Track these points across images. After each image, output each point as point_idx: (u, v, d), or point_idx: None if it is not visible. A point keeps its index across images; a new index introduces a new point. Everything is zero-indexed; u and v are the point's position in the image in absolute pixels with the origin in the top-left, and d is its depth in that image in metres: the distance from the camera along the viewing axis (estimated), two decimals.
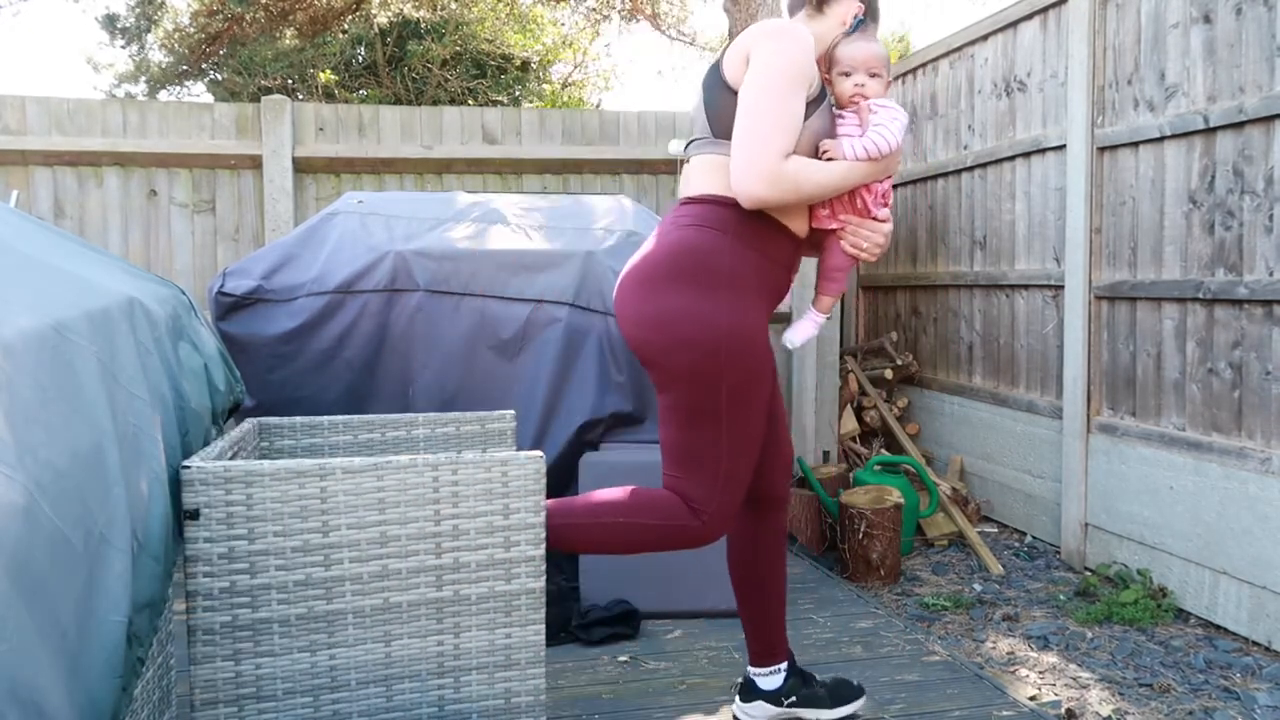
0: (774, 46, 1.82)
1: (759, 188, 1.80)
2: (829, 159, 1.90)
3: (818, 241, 2.07)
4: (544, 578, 1.91)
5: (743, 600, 2.21)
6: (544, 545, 1.91)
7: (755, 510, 2.16)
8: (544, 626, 1.92)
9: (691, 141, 2.00)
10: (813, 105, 1.88)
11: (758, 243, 1.90)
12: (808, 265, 3.97)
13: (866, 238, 1.97)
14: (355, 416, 2.42)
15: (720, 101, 1.89)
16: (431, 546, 1.83)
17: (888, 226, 1.99)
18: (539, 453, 1.89)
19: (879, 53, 1.97)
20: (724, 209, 1.89)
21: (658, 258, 1.90)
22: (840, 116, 1.99)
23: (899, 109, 1.97)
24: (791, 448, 2.19)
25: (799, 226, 1.96)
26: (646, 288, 1.89)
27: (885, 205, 1.99)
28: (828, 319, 2.12)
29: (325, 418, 2.41)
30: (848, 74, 1.96)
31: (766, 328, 1.92)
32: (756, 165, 1.79)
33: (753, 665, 2.24)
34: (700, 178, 1.94)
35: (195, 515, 1.71)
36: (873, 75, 1.96)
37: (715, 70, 1.91)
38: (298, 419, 2.39)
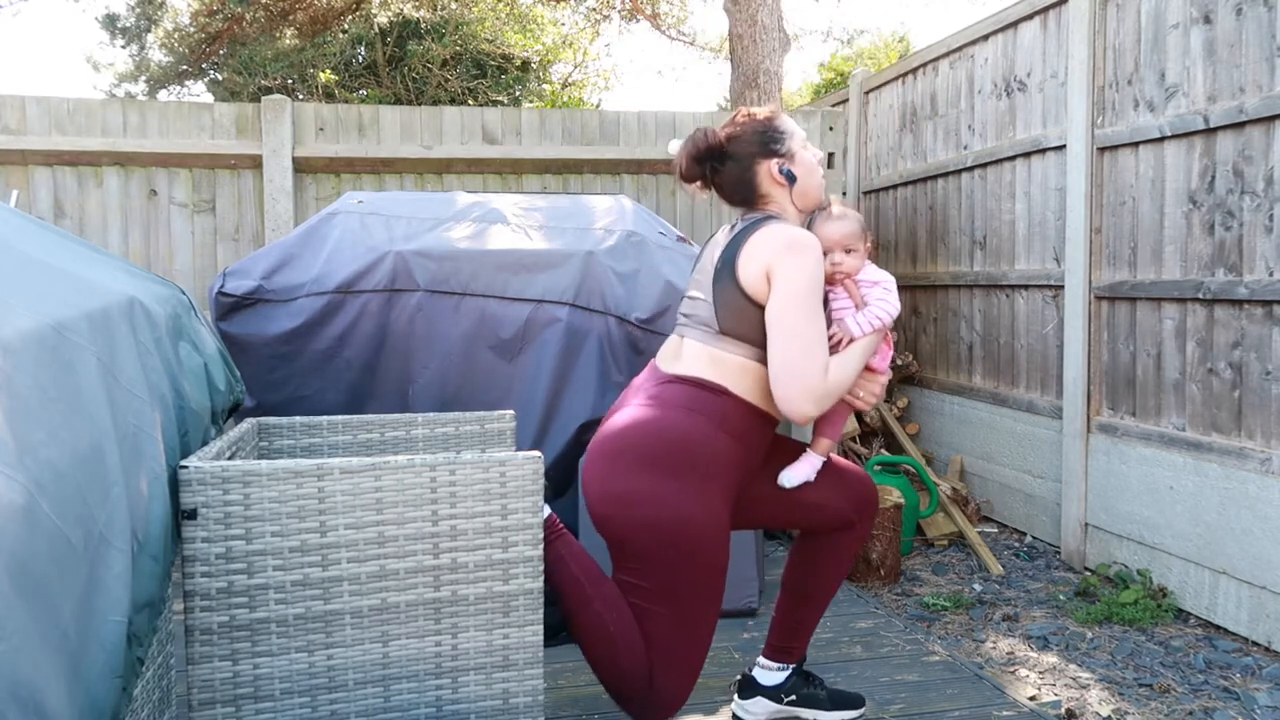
0: (798, 264, 1.85)
1: (811, 408, 1.84)
2: (837, 340, 1.96)
3: None
4: (542, 578, 1.92)
5: (785, 597, 2.23)
6: (541, 546, 1.91)
7: (836, 530, 2.18)
8: (542, 627, 1.92)
9: (688, 326, 1.99)
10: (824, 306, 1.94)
11: (743, 434, 1.93)
12: None
13: (864, 388, 2.04)
14: (354, 416, 2.42)
15: (733, 302, 1.90)
16: (429, 547, 1.83)
17: (885, 378, 2.06)
18: (537, 453, 1.89)
19: (850, 230, 2.03)
20: (716, 397, 1.90)
21: (635, 434, 1.90)
22: (831, 293, 2.04)
23: (886, 277, 2.05)
24: (861, 474, 2.19)
25: (779, 413, 2.00)
26: (619, 464, 1.89)
27: (886, 361, 2.07)
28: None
29: (324, 418, 2.41)
30: (825, 254, 2.00)
31: (729, 515, 1.93)
32: (809, 390, 1.83)
33: (765, 658, 2.25)
34: (696, 362, 1.94)
35: (193, 515, 1.71)
36: (848, 251, 2.02)
37: (730, 271, 1.91)
38: (296, 419, 2.39)
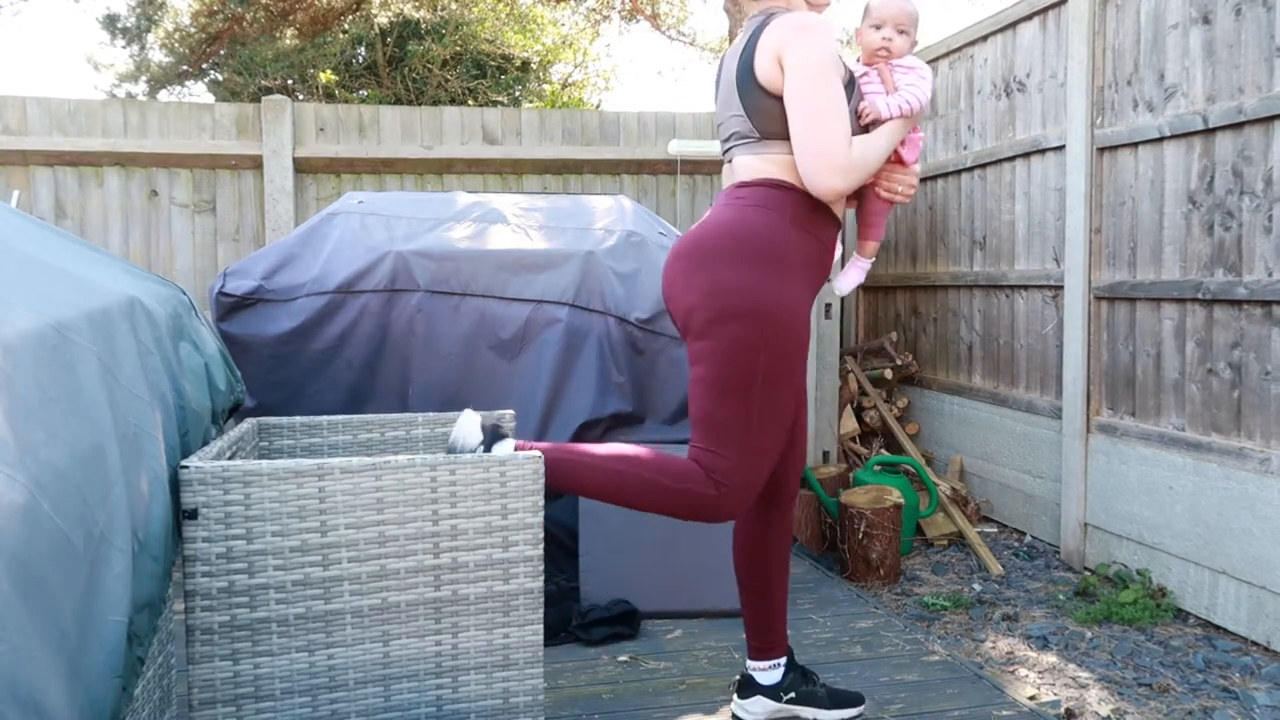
0: (805, 41, 1.86)
1: (836, 180, 1.86)
2: (868, 119, 1.97)
3: (855, 191, 2.12)
4: (542, 577, 1.92)
5: (745, 592, 2.22)
6: (541, 545, 1.91)
7: (764, 504, 2.18)
8: (542, 626, 1.93)
9: (733, 144, 2.02)
10: (847, 88, 1.94)
11: (810, 225, 1.96)
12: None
13: (900, 181, 2.06)
14: (354, 416, 2.42)
15: (760, 105, 1.93)
16: (430, 546, 1.84)
17: (917, 169, 2.09)
18: (537, 453, 1.89)
19: (910, 10, 2.03)
20: (780, 192, 1.94)
21: (713, 232, 1.95)
22: (864, 75, 2.05)
23: (922, 65, 2.04)
24: (805, 447, 2.22)
25: (840, 210, 2.05)
26: (698, 258, 1.94)
27: (916, 153, 2.09)
28: (870, 262, 2.22)
29: (324, 417, 2.41)
30: (877, 27, 2.02)
31: (809, 308, 1.98)
32: (831, 161, 1.85)
33: (752, 659, 2.25)
34: (752, 170, 1.98)
35: (194, 515, 1.71)
36: (901, 32, 2.02)
37: (749, 75, 1.93)
38: (297, 419, 2.40)
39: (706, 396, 1.94)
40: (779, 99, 1.91)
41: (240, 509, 1.73)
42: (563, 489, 1.96)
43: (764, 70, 1.90)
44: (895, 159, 2.06)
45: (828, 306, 4.32)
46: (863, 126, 1.99)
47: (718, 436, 1.93)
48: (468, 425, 1.92)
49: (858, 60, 2.10)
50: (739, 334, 1.89)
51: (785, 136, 1.92)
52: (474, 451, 1.88)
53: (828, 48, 1.87)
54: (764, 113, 1.93)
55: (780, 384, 1.93)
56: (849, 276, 2.18)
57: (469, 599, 1.87)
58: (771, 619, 2.22)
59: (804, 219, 1.95)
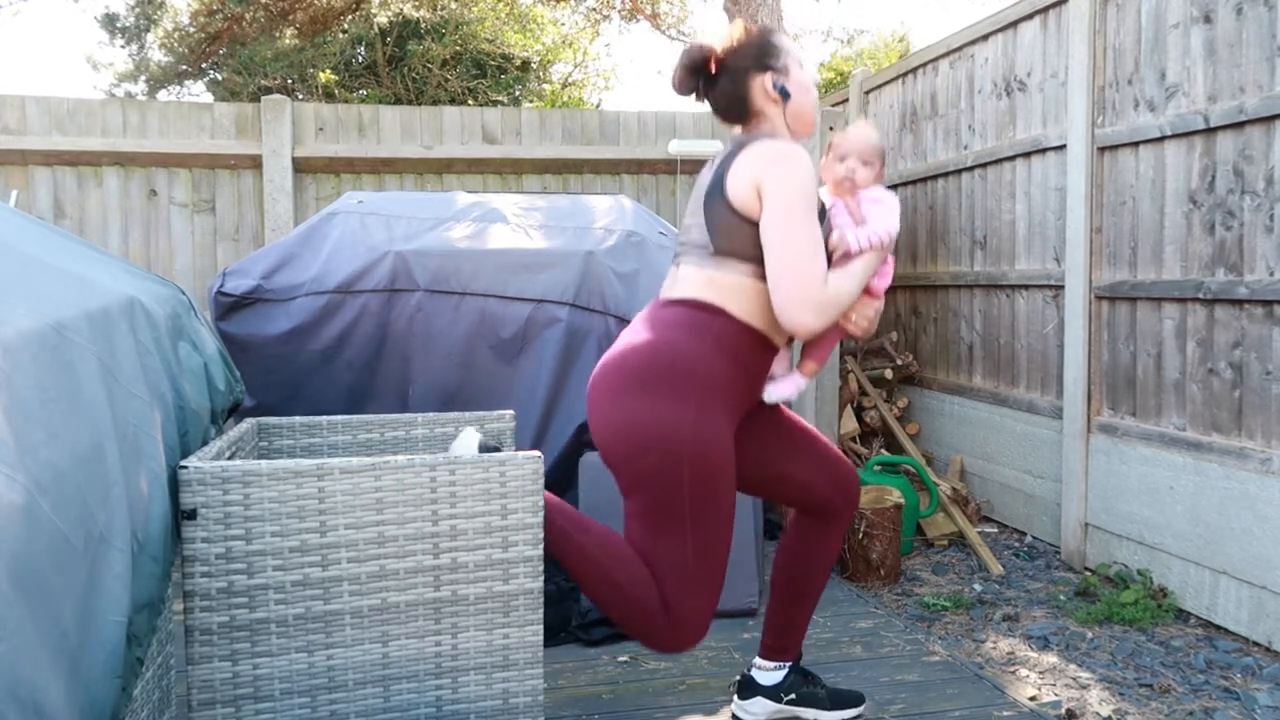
0: (784, 174, 1.83)
1: (810, 318, 1.82)
2: (838, 253, 1.94)
3: None
4: (542, 578, 1.92)
5: (775, 597, 2.22)
6: (542, 545, 1.91)
7: (816, 521, 2.17)
8: (542, 627, 1.92)
9: (685, 252, 1.98)
10: (821, 216, 1.92)
11: (740, 355, 1.91)
12: None
13: (860, 312, 2.00)
14: (354, 416, 2.42)
15: (723, 222, 1.89)
16: (429, 547, 1.83)
17: (880, 303, 2.04)
18: (537, 453, 1.89)
19: (873, 144, 2.01)
20: (709, 315, 1.89)
21: (632, 357, 1.89)
22: (833, 207, 2.03)
23: (890, 196, 2.03)
24: (847, 464, 2.17)
25: (780, 339, 1.98)
26: (618, 390, 1.87)
27: (887, 283, 2.05)
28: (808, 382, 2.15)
29: (324, 417, 2.41)
30: (842, 159, 2.00)
31: (731, 436, 1.91)
32: (807, 299, 1.81)
33: (761, 658, 2.25)
34: (692, 285, 1.93)
35: (193, 515, 1.71)
36: (865, 164, 2.01)
37: (718, 190, 1.90)
38: (296, 419, 2.39)
39: (639, 531, 1.91)
40: (746, 222, 1.87)
41: (239, 509, 1.73)
42: (554, 555, 1.95)
43: (736, 191, 1.86)
44: (865, 289, 2.01)
45: None
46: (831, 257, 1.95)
47: (657, 570, 1.90)
48: (466, 444, 1.92)
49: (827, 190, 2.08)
50: (656, 470, 1.84)
51: (739, 257, 1.88)
52: None
53: (806, 180, 1.84)
54: (725, 230, 1.88)
55: (709, 514, 1.88)
56: (782, 389, 2.05)
57: (469, 599, 1.87)
58: (793, 629, 2.22)
59: (734, 349, 1.89)
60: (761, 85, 1.95)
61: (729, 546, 1.95)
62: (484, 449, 1.93)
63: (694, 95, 2.01)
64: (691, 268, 1.94)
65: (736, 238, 1.87)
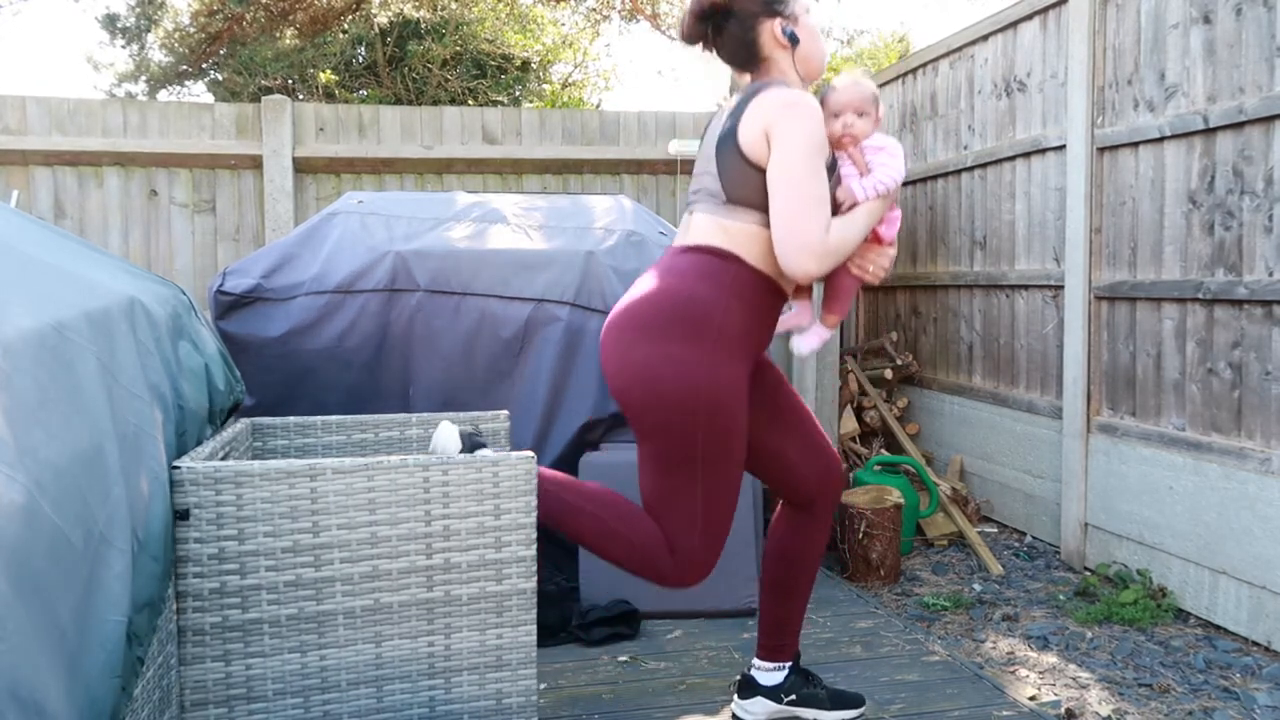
0: (797, 122, 1.84)
1: (812, 265, 1.84)
2: (842, 202, 1.94)
3: None
4: (535, 578, 1.92)
5: (768, 592, 2.22)
6: (535, 546, 1.91)
7: (798, 514, 2.18)
8: (535, 627, 1.93)
9: (697, 201, 1.99)
10: (830, 169, 1.93)
11: (754, 300, 1.93)
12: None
13: (873, 261, 2.02)
14: (348, 416, 2.42)
15: (736, 171, 1.90)
16: (422, 547, 1.83)
17: (893, 250, 2.05)
18: (530, 453, 1.89)
19: (865, 93, 2.00)
20: (726, 263, 1.91)
21: (649, 303, 1.91)
22: (838, 159, 2.02)
23: (892, 142, 2.02)
24: (835, 456, 2.18)
25: (789, 285, 2.00)
26: (631, 335, 1.89)
27: (894, 231, 2.06)
28: (832, 333, 2.18)
29: (318, 418, 2.41)
30: (836, 115, 1.99)
31: (745, 382, 1.93)
32: (808, 246, 1.82)
33: (759, 659, 2.25)
34: (704, 233, 1.95)
35: (185, 516, 1.71)
36: (861, 115, 1.99)
37: (731, 138, 1.90)
38: (290, 419, 2.39)
39: (651, 474, 1.94)
40: (756, 169, 1.88)
41: (232, 509, 1.73)
42: (549, 523, 1.96)
43: (748, 139, 1.87)
44: (873, 238, 2.03)
45: None
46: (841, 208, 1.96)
47: (667, 512, 1.93)
48: (446, 435, 1.92)
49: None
50: (672, 417, 1.86)
51: (751, 205, 1.89)
52: None
53: (818, 132, 1.85)
54: (737, 178, 1.90)
55: (722, 460, 1.91)
56: (809, 340, 2.11)
57: (462, 600, 1.87)
58: (788, 626, 2.22)
59: (748, 294, 1.91)
60: (770, 30, 1.96)
61: (739, 489, 1.97)
62: (464, 439, 1.93)
63: (701, 44, 2.01)
64: (704, 215, 1.96)
65: (749, 187, 1.89)
